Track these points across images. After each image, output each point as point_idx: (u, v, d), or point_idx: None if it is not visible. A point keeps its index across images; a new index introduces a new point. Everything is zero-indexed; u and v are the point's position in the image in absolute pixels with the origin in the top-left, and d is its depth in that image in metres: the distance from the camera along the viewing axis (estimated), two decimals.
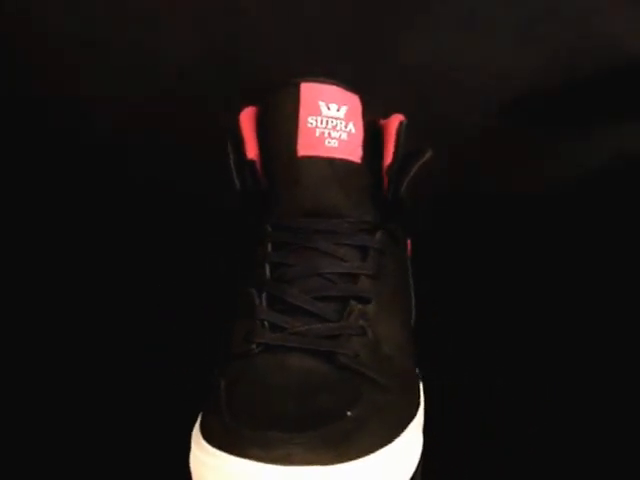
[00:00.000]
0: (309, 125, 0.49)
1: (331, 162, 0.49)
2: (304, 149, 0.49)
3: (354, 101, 0.50)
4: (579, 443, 0.50)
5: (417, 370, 0.50)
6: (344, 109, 0.50)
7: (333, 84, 0.50)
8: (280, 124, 0.50)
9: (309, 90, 0.50)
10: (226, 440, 0.40)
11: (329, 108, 0.50)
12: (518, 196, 0.75)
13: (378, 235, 0.50)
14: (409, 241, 0.57)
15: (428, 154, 0.52)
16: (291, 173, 0.49)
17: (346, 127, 0.50)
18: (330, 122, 0.50)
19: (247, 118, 0.51)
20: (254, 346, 0.45)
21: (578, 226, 0.67)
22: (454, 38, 0.76)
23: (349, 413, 0.42)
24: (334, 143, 0.50)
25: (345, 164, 0.50)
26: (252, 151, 0.50)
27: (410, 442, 0.44)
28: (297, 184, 0.49)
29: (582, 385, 0.55)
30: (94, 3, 0.78)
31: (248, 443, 0.39)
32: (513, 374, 0.56)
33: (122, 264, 0.70)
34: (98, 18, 0.78)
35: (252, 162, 0.50)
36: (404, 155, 0.51)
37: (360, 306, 0.47)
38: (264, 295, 0.47)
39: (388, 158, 0.50)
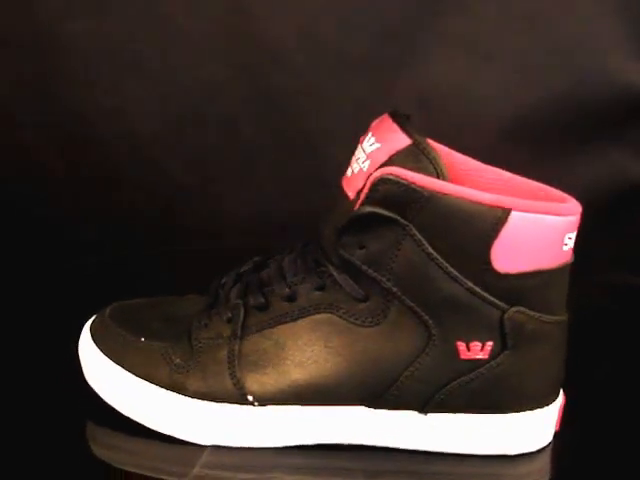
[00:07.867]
0: (356, 152, 0.50)
1: (342, 190, 0.49)
2: (348, 173, 0.50)
3: (396, 142, 0.47)
4: None
5: (250, 398, 0.48)
6: (376, 146, 0.47)
7: (395, 121, 0.48)
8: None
9: (378, 121, 0.49)
10: (95, 329, 0.53)
11: (368, 141, 0.48)
12: None
13: (318, 273, 0.49)
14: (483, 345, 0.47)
15: (356, 214, 0.46)
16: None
17: (363, 162, 0.48)
18: (359, 153, 0.49)
19: None
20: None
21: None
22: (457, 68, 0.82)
23: (143, 339, 0.51)
24: (349, 173, 0.49)
25: (343, 196, 0.49)
26: None
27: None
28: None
29: None
30: None
31: (108, 335, 0.52)
32: None
33: None
34: None
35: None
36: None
37: (248, 306, 0.49)
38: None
39: (356, 205, 0.47)
